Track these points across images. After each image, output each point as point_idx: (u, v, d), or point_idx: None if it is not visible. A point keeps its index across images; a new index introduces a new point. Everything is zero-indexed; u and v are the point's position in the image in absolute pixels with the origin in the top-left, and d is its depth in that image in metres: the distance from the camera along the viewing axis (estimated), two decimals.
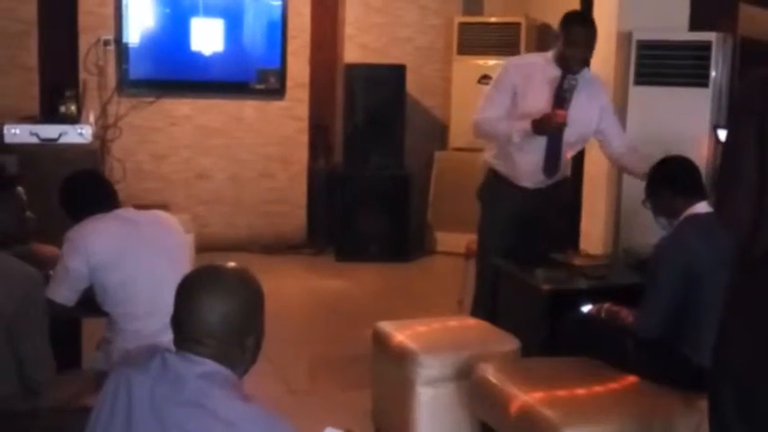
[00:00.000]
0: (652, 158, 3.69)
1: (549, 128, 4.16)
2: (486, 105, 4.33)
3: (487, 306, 4.44)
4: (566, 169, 4.55)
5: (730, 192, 2.30)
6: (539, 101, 4.22)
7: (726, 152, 2.40)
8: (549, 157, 4.32)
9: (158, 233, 3.31)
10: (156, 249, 3.23)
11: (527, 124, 4.15)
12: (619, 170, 4.88)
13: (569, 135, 4.29)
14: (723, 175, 2.38)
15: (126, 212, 3.33)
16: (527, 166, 4.35)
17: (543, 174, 4.36)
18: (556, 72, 4.26)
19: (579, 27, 4.23)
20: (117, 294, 3.17)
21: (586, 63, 4.33)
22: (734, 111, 2.40)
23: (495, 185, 4.50)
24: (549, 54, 4.33)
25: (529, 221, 4.44)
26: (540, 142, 4.26)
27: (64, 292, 3.16)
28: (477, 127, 4.37)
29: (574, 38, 4.20)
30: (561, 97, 4.22)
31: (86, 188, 3.39)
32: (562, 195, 4.58)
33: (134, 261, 3.17)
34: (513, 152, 4.32)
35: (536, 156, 4.31)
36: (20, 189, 3.11)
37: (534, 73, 4.28)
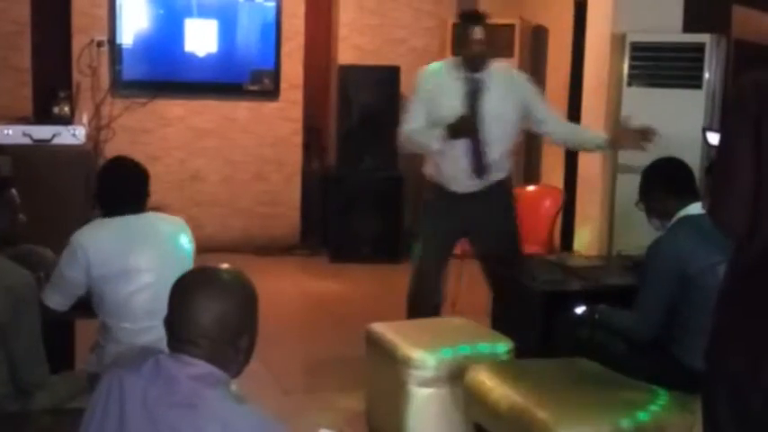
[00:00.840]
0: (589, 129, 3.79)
1: (461, 130, 4.18)
2: (408, 117, 4.36)
3: (427, 306, 4.45)
4: (505, 167, 4.47)
5: (725, 195, 2.30)
6: (452, 105, 4.23)
7: (720, 155, 2.40)
8: (474, 159, 4.30)
9: (168, 249, 3.14)
10: (163, 265, 3.04)
11: (442, 130, 4.19)
12: (573, 150, 5.06)
13: (489, 132, 4.27)
14: (718, 178, 2.37)
15: (141, 221, 3.16)
16: (455, 172, 4.34)
17: (474, 176, 4.33)
18: (464, 74, 4.29)
19: (470, 26, 4.26)
20: (115, 307, 3.08)
21: (485, 60, 4.30)
22: (727, 113, 2.40)
23: (430, 193, 4.50)
24: (459, 58, 4.38)
25: (467, 226, 4.44)
26: (462, 146, 4.26)
27: (57, 298, 3.11)
28: (401, 140, 4.40)
29: (467, 37, 4.25)
30: (471, 97, 4.25)
31: (116, 185, 3.22)
32: (502, 195, 4.52)
33: (136, 277, 3.05)
34: (439, 160, 4.34)
35: (461, 160, 4.30)
36: (13, 191, 3.10)
37: (445, 78, 4.32)
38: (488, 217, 4.41)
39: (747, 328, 2.29)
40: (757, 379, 2.25)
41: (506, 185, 4.55)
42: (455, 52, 7.34)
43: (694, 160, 4.86)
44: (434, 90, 4.31)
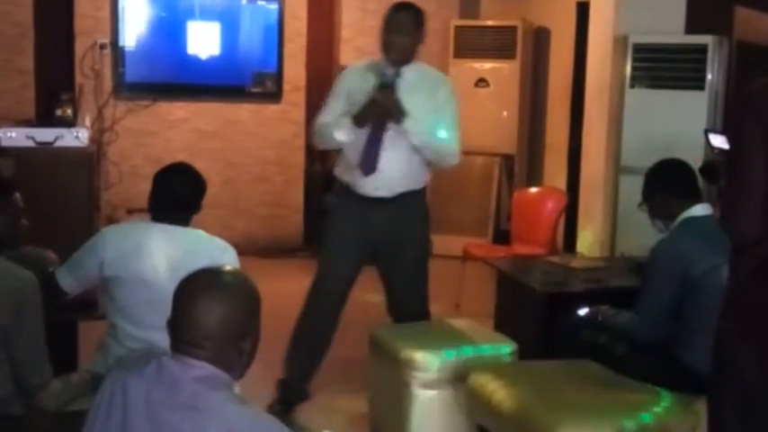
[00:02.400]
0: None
1: (373, 112, 3.78)
2: (324, 112, 4.02)
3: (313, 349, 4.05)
4: (420, 178, 4.01)
5: (741, 201, 2.28)
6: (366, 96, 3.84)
7: (733, 163, 2.37)
8: (367, 151, 3.85)
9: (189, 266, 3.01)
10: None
11: (348, 119, 3.83)
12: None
13: (398, 131, 3.82)
14: (731, 185, 2.35)
15: (178, 235, 3.08)
16: (351, 168, 3.92)
17: (360, 169, 3.86)
18: (384, 69, 3.89)
19: (395, 12, 3.88)
20: (124, 311, 3.06)
21: (406, 52, 3.88)
22: (738, 120, 2.37)
23: (339, 195, 4.08)
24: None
25: (376, 236, 3.97)
26: (363, 138, 3.86)
27: (69, 280, 3.11)
28: (313, 133, 4.06)
29: (389, 24, 3.86)
30: (381, 87, 3.83)
31: (162, 190, 3.15)
32: (415, 209, 4.04)
33: (149, 289, 2.97)
34: (350, 157, 3.91)
35: (353, 154, 3.90)
36: (17, 195, 3.09)
37: (369, 76, 3.91)
38: (397, 232, 3.96)
39: (756, 336, 2.28)
40: (763, 382, 2.24)
41: (420, 199, 4.09)
42: (456, 54, 7.42)
43: (697, 162, 4.85)
44: (356, 87, 3.92)
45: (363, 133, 3.85)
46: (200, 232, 3.17)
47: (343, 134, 3.87)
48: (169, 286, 2.89)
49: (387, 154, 3.85)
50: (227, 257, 3.10)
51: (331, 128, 3.91)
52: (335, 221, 4.06)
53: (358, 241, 3.97)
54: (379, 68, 3.89)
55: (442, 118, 3.91)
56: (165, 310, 2.79)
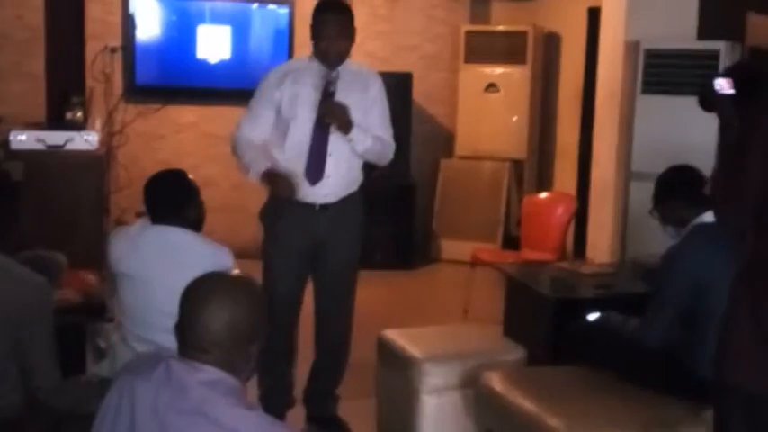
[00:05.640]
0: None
1: (280, 189, 3.68)
2: (247, 118, 3.82)
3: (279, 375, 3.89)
4: (358, 178, 3.94)
5: (734, 189, 2.29)
6: (308, 106, 3.72)
7: (733, 158, 2.37)
8: (314, 159, 3.73)
9: (187, 271, 3.01)
10: (174, 284, 2.94)
11: (262, 168, 3.69)
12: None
13: (338, 136, 3.72)
14: (727, 173, 2.35)
15: (168, 235, 3.17)
16: (296, 175, 3.76)
17: (306, 178, 3.73)
18: (320, 70, 3.75)
19: (328, 15, 3.69)
20: (127, 309, 3.16)
21: (345, 56, 3.76)
22: (746, 127, 2.36)
23: (272, 203, 3.97)
24: (312, 54, 3.80)
25: (317, 240, 3.84)
26: (304, 144, 3.73)
27: (109, 286, 3.34)
28: (233, 145, 3.87)
29: (323, 28, 3.68)
30: (327, 96, 3.73)
31: (150, 194, 3.30)
32: (350, 210, 3.90)
33: (146, 287, 3.07)
34: (290, 169, 3.75)
35: (297, 163, 3.76)
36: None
37: (299, 78, 3.76)
38: (336, 234, 3.86)
39: (756, 337, 2.27)
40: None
41: (359, 201, 3.97)
42: (467, 59, 7.42)
43: (708, 168, 4.83)
44: (287, 91, 3.74)
45: (301, 143, 3.73)
46: (191, 233, 3.23)
47: (252, 178, 3.77)
48: (160, 285, 3.00)
49: (331, 159, 3.76)
50: (220, 257, 3.16)
51: (247, 161, 3.76)
52: (277, 238, 3.81)
53: (303, 254, 3.85)
54: (316, 73, 3.75)
55: (378, 115, 3.84)
56: (163, 311, 2.78)
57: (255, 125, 3.79)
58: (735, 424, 2.33)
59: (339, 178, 3.81)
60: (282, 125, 3.77)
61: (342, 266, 3.94)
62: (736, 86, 2.65)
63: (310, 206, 3.80)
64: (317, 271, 3.93)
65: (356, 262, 4.04)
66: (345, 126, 3.70)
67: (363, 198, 4.00)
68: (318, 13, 3.72)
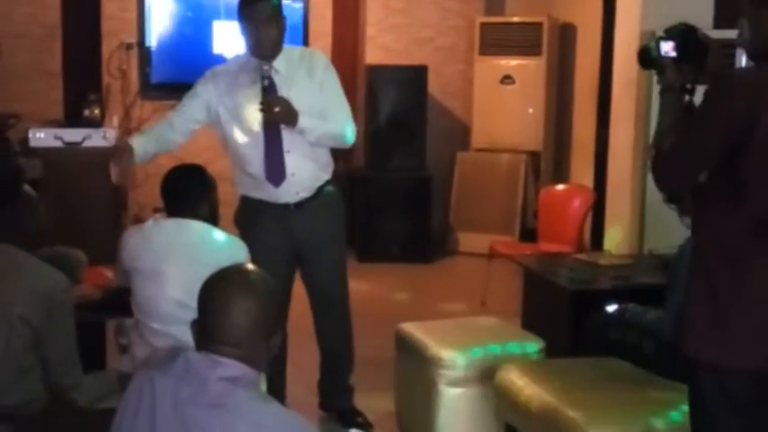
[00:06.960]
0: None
1: (113, 174, 3.70)
2: (177, 108, 3.85)
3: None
4: (328, 165, 3.83)
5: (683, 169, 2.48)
6: (250, 104, 3.59)
7: (692, 125, 2.52)
8: (271, 160, 3.63)
9: (201, 263, 2.73)
10: (192, 277, 2.61)
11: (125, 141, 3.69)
12: None
13: (291, 131, 3.59)
14: (683, 149, 2.49)
15: (183, 227, 3.19)
16: (255, 179, 3.71)
17: (268, 181, 3.65)
18: (258, 66, 3.62)
19: (252, 6, 3.55)
20: (143, 305, 3.17)
21: (277, 44, 3.62)
22: (715, 108, 2.43)
23: (245, 208, 3.90)
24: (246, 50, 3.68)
25: (296, 239, 3.77)
26: (257, 146, 3.64)
27: (120, 277, 3.31)
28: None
29: (249, 17, 3.56)
30: (265, 91, 3.60)
31: (166, 187, 3.34)
32: (325, 205, 3.80)
33: (163, 282, 3.09)
34: (251, 173, 3.71)
35: (254, 164, 3.69)
36: (27, 188, 3.11)
37: (236, 78, 3.67)
38: (315, 232, 3.79)
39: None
40: (740, 361, 2.30)
41: (335, 193, 3.87)
42: (482, 51, 7.40)
43: None
44: (224, 92, 3.67)
45: (255, 145, 3.64)
46: (206, 225, 3.23)
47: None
48: (174, 276, 3.04)
49: (291, 156, 3.64)
50: (235, 250, 3.21)
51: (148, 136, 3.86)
52: (255, 244, 3.48)
53: (284, 256, 3.75)
54: (254, 69, 3.63)
55: (331, 93, 3.71)
56: (179, 301, 2.92)
57: (178, 113, 3.84)
58: (711, 392, 2.36)
59: (306, 172, 3.71)
60: (233, 141, 3.72)
61: (328, 265, 3.90)
62: (678, 50, 2.71)
63: (284, 207, 3.72)
64: (304, 272, 3.90)
65: (343, 257, 4.04)
66: (290, 119, 3.54)
67: (340, 189, 3.96)
68: (241, 6, 3.60)
